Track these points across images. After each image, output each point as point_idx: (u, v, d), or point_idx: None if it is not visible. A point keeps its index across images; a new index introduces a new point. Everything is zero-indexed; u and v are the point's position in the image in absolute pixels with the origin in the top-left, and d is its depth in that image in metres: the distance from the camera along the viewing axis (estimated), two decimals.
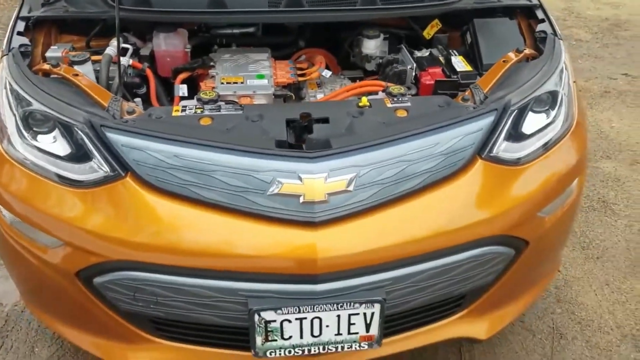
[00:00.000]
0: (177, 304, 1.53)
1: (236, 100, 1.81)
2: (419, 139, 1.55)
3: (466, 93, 1.70)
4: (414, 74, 1.96)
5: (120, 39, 1.98)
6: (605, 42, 4.86)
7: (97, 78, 1.82)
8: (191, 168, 1.48)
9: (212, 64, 2.00)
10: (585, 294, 2.37)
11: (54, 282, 1.63)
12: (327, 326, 1.53)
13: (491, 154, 1.60)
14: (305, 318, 1.51)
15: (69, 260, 1.56)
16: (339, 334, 1.55)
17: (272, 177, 1.46)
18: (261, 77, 1.92)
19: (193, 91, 1.91)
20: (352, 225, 1.48)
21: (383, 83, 1.90)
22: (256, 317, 1.49)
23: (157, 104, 1.95)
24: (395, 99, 1.70)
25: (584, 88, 4.04)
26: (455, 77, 1.88)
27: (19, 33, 1.84)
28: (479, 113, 1.60)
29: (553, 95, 1.73)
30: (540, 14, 2.02)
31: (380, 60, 2.08)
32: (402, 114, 1.64)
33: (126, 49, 1.96)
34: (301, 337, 1.54)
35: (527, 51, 1.84)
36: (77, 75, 1.70)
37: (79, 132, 1.54)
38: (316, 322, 1.52)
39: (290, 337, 1.54)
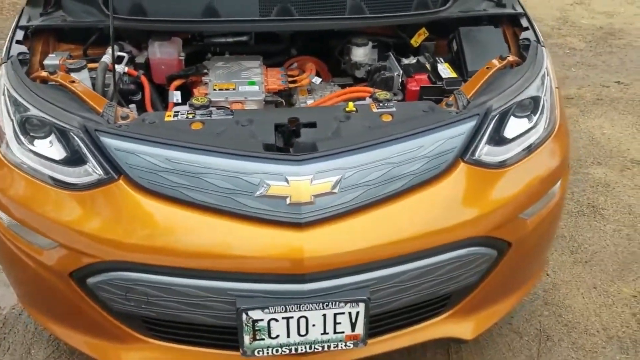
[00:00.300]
0: (168, 304, 1.57)
1: (228, 106, 1.86)
2: (403, 142, 1.59)
3: (450, 98, 1.75)
4: (400, 80, 2.01)
5: (117, 47, 2.04)
6: (599, 50, 4.91)
7: (94, 85, 1.88)
8: (182, 171, 1.53)
9: (205, 71, 2.06)
10: (572, 297, 2.41)
11: (49, 283, 1.67)
12: (314, 325, 1.58)
13: (473, 157, 1.65)
14: (292, 317, 1.55)
15: (63, 261, 1.61)
16: (325, 333, 1.59)
17: (260, 180, 1.51)
18: (252, 83, 1.97)
19: (187, 97, 1.96)
20: (338, 226, 1.53)
21: (371, 89, 1.95)
22: (244, 316, 1.53)
23: (152, 109, 2.00)
24: (381, 104, 1.75)
25: (577, 95, 4.10)
26: (440, 83, 1.94)
27: (18, 42, 1.90)
28: (461, 118, 1.65)
29: (535, 100, 1.78)
30: (524, 22, 2.07)
31: (370, 68, 2.14)
32: (387, 118, 1.69)
33: (122, 57, 2.02)
34: (288, 336, 1.58)
35: (511, 58, 1.89)
36: (73, 82, 1.76)
37: (74, 136, 1.59)
38: (302, 321, 1.56)
39: (277, 336, 1.58)
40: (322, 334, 1.60)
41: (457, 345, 2.14)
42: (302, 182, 1.50)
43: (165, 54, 2.06)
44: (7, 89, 1.71)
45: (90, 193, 1.58)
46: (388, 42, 2.21)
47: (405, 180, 1.57)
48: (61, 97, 1.70)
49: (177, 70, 2.08)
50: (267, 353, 1.60)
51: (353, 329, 1.60)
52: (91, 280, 1.59)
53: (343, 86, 2.16)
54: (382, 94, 1.80)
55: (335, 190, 1.52)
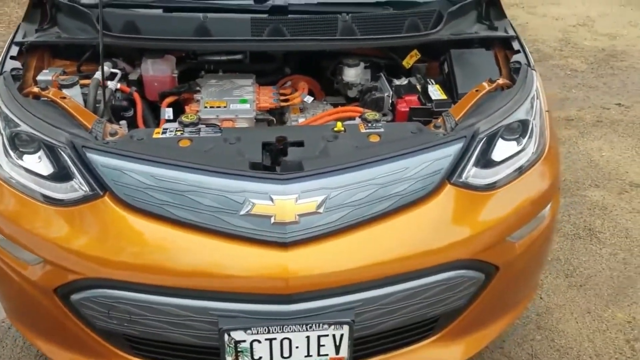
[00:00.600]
0: (150, 322, 1.56)
1: (217, 124, 1.87)
2: (390, 163, 1.59)
3: (438, 120, 1.75)
4: (391, 101, 2.01)
5: (110, 64, 2.06)
6: (601, 72, 4.91)
7: (85, 101, 1.89)
8: (167, 188, 1.53)
9: (198, 88, 2.07)
10: (566, 322, 2.38)
11: (34, 298, 1.66)
12: (297, 347, 1.56)
13: (460, 180, 1.65)
14: (275, 339, 1.53)
15: (48, 277, 1.60)
16: (308, 355, 1.58)
17: (245, 198, 1.50)
18: (244, 101, 1.98)
19: (180, 114, 1.97)
20: (323, 246, 1.52)
21: (361, 109, 1.95)
22: (226, 336, 1.52)
23: (144, 126, 2.01)
24: (369, 125, 1.75)
25: (577, 117, 4.09)
26: (429, 105, 1.94)
27: (12, 57, 1.92)
28: (448, 140, 1.65)
29: (524, 123, 1.77)
30: (516, 45, 2.08)
31: (362, 87, 2.15)
32: (374, 139, 1.69)
33: (115, 74, 2.04)
34: (271, 357, 1.56)
35: (501, 81, 1.89)
36: (64, 98, 1.77)
37: (62, 152, 1.60)
38: (286, 342, 1.55)
39: (260, 357, 1.56)
40: (305, 356, 1.58)
41: None
42: (287, 201, 1.50)
43: (158, 71, 2.07)
44: None
45: (75, 209, 1.58)
46: (380, 62, 2.21)
47: (391, 201, 1.56)
48: (51, 113, 1.71)
49: (170, 87, 2.09)
50: None
51: (337, 352, 1.58)
52: (75, 296, 1.59)
53: (335, 105, 2.17)
54: (371, 115, 1.80)
55: (321, 210, 1.51)
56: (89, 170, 1.57)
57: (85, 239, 1.55)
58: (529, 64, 1.98)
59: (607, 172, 3.41)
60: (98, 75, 1.96)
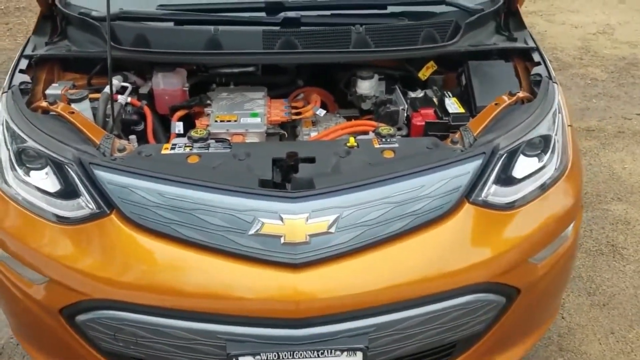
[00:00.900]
0: (157, 346, 1.51)
1: (228, 138, 1.83)
2: (405, 180, 1.53)
3: (456, 135, 1.69)
4: (406, 114, 1.95)
5: (120, 77, 2.04)
6: (622, 81, 4.79)
7: (95, 115, 1.86)
8: (174, 206, 1.49)
9: (208, 102, 2.03)
10: (589, 343, 2.28)
11: (39, 317, 1.63)
12: None
13: (479, 198, 1.58)
14: None
15: (53, 297, 1.57)
16: None
17: (253, 217, 1.46)
18: (255, 115, 1.94)
19: (191, 128, 1.93)
20: (335, 268, 1.47)
21: (375, 123, 1.90)
22: None
23: (154, 140, 1.98)
24: (383, 140, 1.70)
25: (598, 128, 3.98)
26: (446, 118, 1.87)
27: (21, 70, 1.90)
28: (466, 156, 1.58)
29: (545, 139, 1.70)
30: (536, 57, 2.01)
31: (376, 100, 2.09)
32: (389, 154, 1.63)
33: (125, 87, 2.01)
34: None
35: (521, 94, 1.82)
36: (72, 112, 1.74)
37: (69, 169, 1.57)
38: None
39: None
40: None
41: None
42: (297, 220, 1.45)
43: (168, 84, 2.04)
44: (6, 120, 1.70)
45: (82, 227, 1.54)
46: (395, 74, 2.16)
47: (406, 221, 1.50)
48: (59, 129, 1.68)
49: (181, 100, 2.06)
50: None
51: None
52: (80, 317, 1.55)
53: (349, 118, 2.12)
54: (385, 129, 1.74)
55: (332, 230, 1.46)
56: (96, 188, 1.54)
57: (91, 259, 1.52)
58: (550, 77, 1.90)
59: (630, 185, 3.30)
60: (108, 89, 1.93)
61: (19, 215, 1.60)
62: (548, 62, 1.99)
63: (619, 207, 3.10)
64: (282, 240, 1.44)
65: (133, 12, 2.01)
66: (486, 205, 1.58)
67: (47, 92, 1.88)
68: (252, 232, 1.45)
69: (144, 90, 2.09)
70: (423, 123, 1.88)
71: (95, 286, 1.50)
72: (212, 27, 1.95)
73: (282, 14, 2.03)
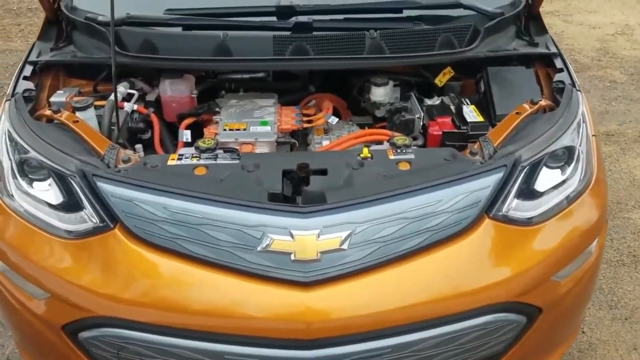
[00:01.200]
0: None
1: (236, 148, 1.77)
2: (421, 194, 1.47)
3: (475, 146, 1.62)
4: (422, 123, 1.88)
5: (127, 84, 1.98)
6: None
7: (100, 124, 1.81)
8: (179, 221, 1.43)
9: (217, 109, 1.98)
10: (611, 359, 2.20)
11: (41, 332, 1.59)
12: None
13: (500, 213, 1.51)
14: None
15: (55, 313, 1.52)
16: None
17: (262, 233, 1.40)
18: (265, 123, 1.88)
19: (199, 136, 1.88)
20: (347, 286, 1.40)
21: (389, 132, 1.83)
22: None
23: (161, 149, 1.92)
24: (398, 151, 1.63)
25: (618, 132, 3.87)
26: (464, 128, 1.80)
27: (25, 77, 1.86)
28: (486, 169, 1.51)
29: (569, 150, 1.62)
30: (559, 63, 1.93)
31: (390, 107, 2.02)
32: (404, 166, 1.56)
33: (132, 95, 1.96)
34: None
35: (543, 102, 1.74)
36: (77, 121, 1.69)
37: (72, 181, 1.52)
38: None
39: None
40: None
41: None
42: (308, 237, 1.39)
43: (176, 91, 1.98)
44: (8, 129, 1.66)
45: (85, 241, 1.50)
46: (410, 81, 2.08)
47: (423, 237, 1.43)
48: (63, 138, 1.63)
49: (189, 108, 2.00)
50: None
51: None
52: (83, 334, 1.50)
53: (362, 126, 2.05)
54: (400, 139, 1.67)
55: (345, 247, 1.39)
56: (99, 201, 1.48)
57: (94, 275, 1.46)
58: (573, 84, 1.82)
59: None
60: (114, 96, 1.88)
61: (19, 227, 1.56)
62: (571, 68, 1.91)
63: None
64: (292, 257, 1.38)
65: (140, 17, 1.95)
66: (507, 220, 1.51)
67: (51, 99, 1.84)
68: (260, 248, 1.39)
69: (151, 97, 2.03)
70: (440, 133, 1.80)
71: (98, 303, 1.45)
72: (221, 33, 1.89)
73: (294, 19, 1.96)
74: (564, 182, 1.60)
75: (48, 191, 1.55)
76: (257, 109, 1.97)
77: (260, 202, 1.43)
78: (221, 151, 1.69)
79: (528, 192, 1.55)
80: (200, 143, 1.68)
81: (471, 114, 1.84)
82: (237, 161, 1.61)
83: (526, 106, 1.71)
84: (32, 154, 1.58)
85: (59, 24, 2.05)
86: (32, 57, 1.94)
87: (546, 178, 1.58)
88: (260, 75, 2.08)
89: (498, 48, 1.94)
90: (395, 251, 1.42)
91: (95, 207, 1.49)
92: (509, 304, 1.48)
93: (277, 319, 1.38)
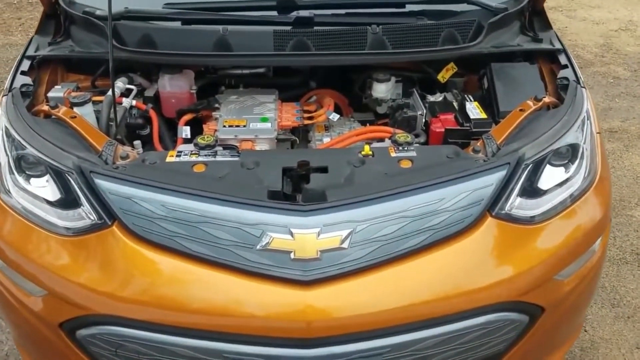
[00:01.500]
0: None
1: (236, 145, 1.75)
2: (423, 193, 1.45)
3: (478, 143, 1.59)
4: (424, 120, 1.86)
5: (126, 79, 1.96)
6: None
7: (98, 119, 1.79)
8: (178, 219, 1.42)
9: (217, 105, 1.95)
10: (613, 358, 2.18)
11: (39, 330, 1.57)
12: None
13: (503, 211, 1.49)
14: None
15: (53, 310, 1.51)
16: None
17: (262, 231, 1.38)
18: (265, 120, 1.85)
19: (199, 132, 1.85)
20: (347, 285, 1.38)
21: (391, 129, 1.80)
22: None
23: (160, 145, 1.90)
24: (400, 148, 1.61)
25: (621, 129, 3.84)
26: (467, 125, 1.77)
27: (23, 72, 1.84)
28: (489, 167, 1.49)
29: (573, 148, 1.60)
30: (563, 59, 1.90)
31: (392, 103, 1.99)
32: (406, 164, 1.54)
33: (130, 90, 1.93)
34: None
35: (547, 99, 1.72)
36: (74, 117, 1.67)
37: (69, 178, 1.50)
38: None
39: None
40: None
41: None
42: (308, 235, 1.37)
43: (175, 87, 1.96)
44: (5, 125, 1.64)
45: (83, 239, 1.48)
46: (412, 77, 2.06)
47: (424, 236, 1.42)
48: (60, 134, 1.61)
49: (188, 103, 1.98)
50: None
51: None
52: (81, 332, 1.48)
53: (363, 122, 2.02)
54: (402, 136, 1.65)
55: (345, 246, 1.37)
56: (97, 198, 1.46)
57: (92, 272, 1.45)
58: (578, 81, 1.80)
59: None
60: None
61: (17, 224, 1.54)
62: (575, 64, 1.88)
63: None
64: (292, 256, 1.37)
65: (138, 12, 1.93)
66: (510, 218, 1.49)
67: (49, 95, 1.81)
68: (260, 246, 1.38)
69: (149, 92, 2.01)
70: (442, 130, 1.78)
71: (96, 301, 1.44)
72: (220, 27, 1.86)
73: (295, 13, 1.94)
74: (567, 180, 1.57)
75: (45, 188, 1.53)
76: (257, 105, 1.94)
77: (260, 200, 1.41)
78: (220, 148, 1.67)
79: (531, 190, 1.52)
80: (199, 140, 1.66)
81: (474, 110, 1.82)
82: (237, 158, 1.59)
83: (530, 103, 1.69)
84: (29, 150, 1.56)
85: (57, 18, 2.02)
86: (30, 52, 1.92)
87: (550, 176, 1.56)
88: (261, 70, 2.06)
89: (502, 44, 1.92)
90: (396, 250, 1.40)
91: (92, 204, 1.47)
92: (511, 303, 1.47)
93: (277, 318, 1.36)
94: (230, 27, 1.86)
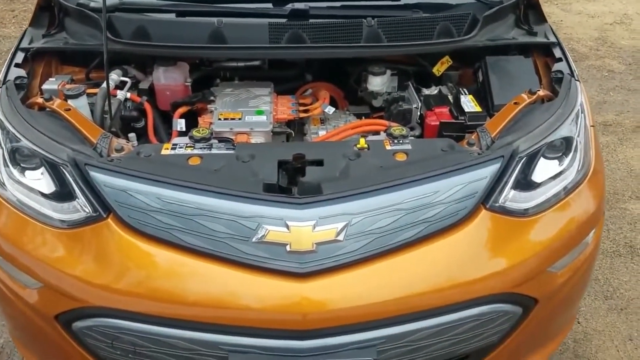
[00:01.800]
0: (156, 355, 1.45)
1: (231, 138, 1.74)
2: (418, 186, 1.46)
3: (472, 136, 1.60)
4: (419, 113, 1.86)
5: (120, 71, 1.95)
6: None
7: (92, 112, 1.78)
8: (173, 211, 1.42)
9: (212, 98, 1.95)
10: (606, 350, 2.20)
11: (35, 322, 1.58)
12: None
13: (497, 204, 1.50)
14: None
15: (48, 303, 1.51)
16: None
17: (258, 224, 1.38)
18: (260, 113, 1.85)
19: (194, 125, 1.85)
20: (342, 277, 1.39)
21: (386, 122, 1.81)
22: None
23: (154, 138, 1.90)
24: (395, 141, 1.61)
25: (615, 122, 3.86)
26: (462, 118, 1.78)
27: (17, 65, 1.83)
28: (483, 160, 1.50)
29: (567, 141, 1.61)
30: (557, 53, 1.90)
31: (388, 97, 2.00)
32: (401, 157, 1.54)
33: (125, 82, 1.93)
34: None
35: (541, 92, 1.73)
36: (69, 109, 1.67)
37: (64, 170, 1.50)
38: None
39: None
40: None
41: None
42: (304, 228, 1.38)
43: (170, 79, 1.96)
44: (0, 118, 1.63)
45: (78, 231, 1.48)
46: (408, 70, 2.06)
47: (419, 228, 1.42)
48: (55, 127, 1.61)
49: (183, 96, 1.97)
50: None
51: None
52: (77, 324, 1.49)
53: (359, 116, 2.03)
54: (397, 129, 1.65)
55: (341, 238, 1.38)
56: (92, 190, 1.46)
57: (87, 265, 1.45)
58: (572, 74, 1.80)
59: None
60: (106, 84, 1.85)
61: (12, 216, 1.54)
62: (570, 58, 1.88)
63: (637, 206, 2.99)
64: (288, 249, 1.37)
65: (133, 3, 1.93)
66: (504, 211, 1.50)
67: (43, 87, 1.81)
68: (256, 239, 1.38)
69: (144, 85, 2.01)
70: (437, 123, 1.78)
71: (92, 293, 1.44)
72: (215, 19, 1.86)
73: (290, 6, 1.94)
74: (561, 173, 1.58)
75: (40, 180, 1.53)
76: (252, 98, 1.94)
77: (255, 192, 1.42)
78: (216, 141, 1.67)
79: (525, 183, 1.53)
80: (194, 132, 1.66)
81: (469, 104, 1.82)
82: (232, 151, 1.59)
83: (524, 96, 1.69)
84: (24, 142, 1.55)
85: (51, 10, 2.01)
86: (24, 44, 1.91)
87: (544, 169, 1.57)
88: (256, 63, 2.06)
89: (497, 37, 1.92)
90: (391, 242, 1.41)
91: (87, 197, 1.47)
92: (504, 295, 1.48)
93: (273, 310, 1.37)
94: (225, 20, 1.86)
